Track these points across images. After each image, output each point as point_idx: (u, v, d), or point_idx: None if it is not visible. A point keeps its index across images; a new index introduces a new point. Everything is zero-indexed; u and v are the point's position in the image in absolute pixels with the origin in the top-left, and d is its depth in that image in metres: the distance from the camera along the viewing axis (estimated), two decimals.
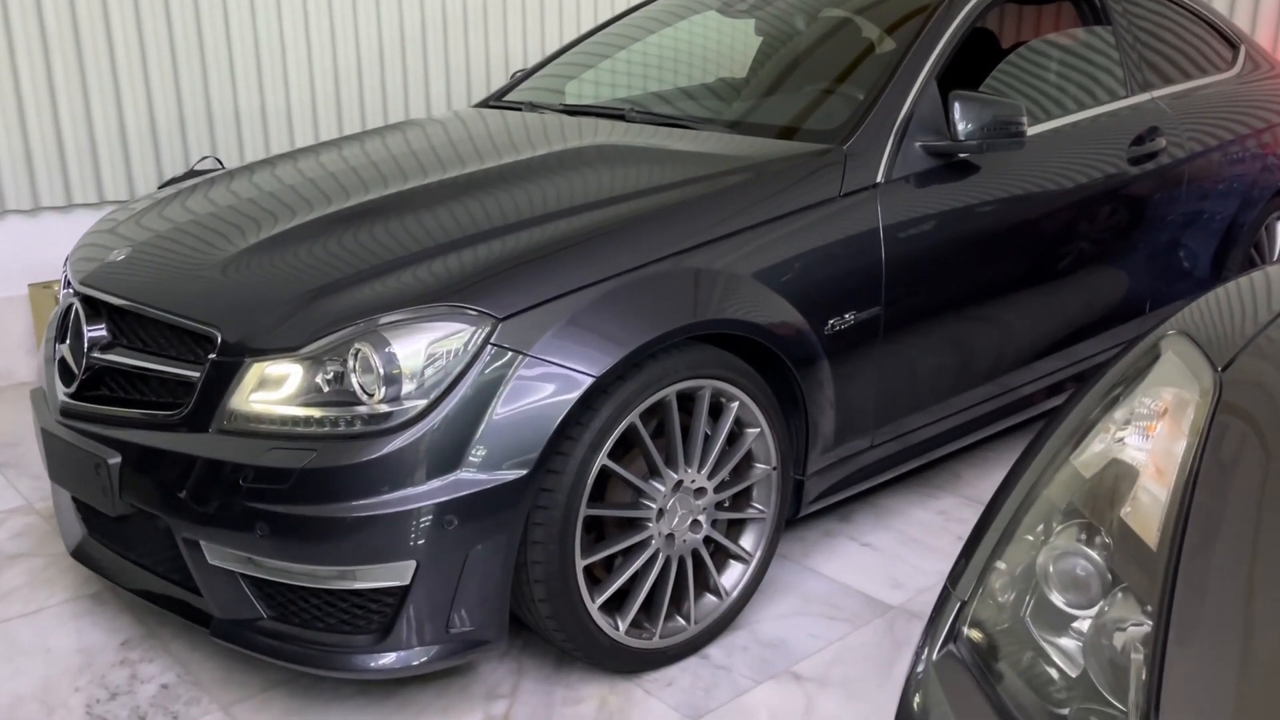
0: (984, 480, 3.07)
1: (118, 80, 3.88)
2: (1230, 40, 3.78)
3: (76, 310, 2.24)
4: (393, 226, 2.19)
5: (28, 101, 3.74)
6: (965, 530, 2.79)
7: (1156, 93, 3.32)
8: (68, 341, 2.27)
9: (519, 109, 3.21)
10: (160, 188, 3.97)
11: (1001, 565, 1.14)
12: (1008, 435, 3.36)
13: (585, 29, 5.00)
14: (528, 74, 3.60)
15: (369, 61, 4.41)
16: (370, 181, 2.48)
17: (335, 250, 2.12)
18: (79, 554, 2.33)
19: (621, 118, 2.88)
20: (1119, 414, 1.24)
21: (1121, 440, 1.21)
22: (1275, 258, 3.82)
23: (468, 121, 3.03)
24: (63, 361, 2.28)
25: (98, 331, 2.20)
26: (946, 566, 2.61)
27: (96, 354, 2.17)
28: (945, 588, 1.17)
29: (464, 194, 2.32)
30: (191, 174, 3.97)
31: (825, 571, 2.59)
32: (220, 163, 4.11)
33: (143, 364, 2.09)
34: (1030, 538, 1.15)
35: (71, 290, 2.35)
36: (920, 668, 1.12)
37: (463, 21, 4.62)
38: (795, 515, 2.48)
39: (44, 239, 3.92)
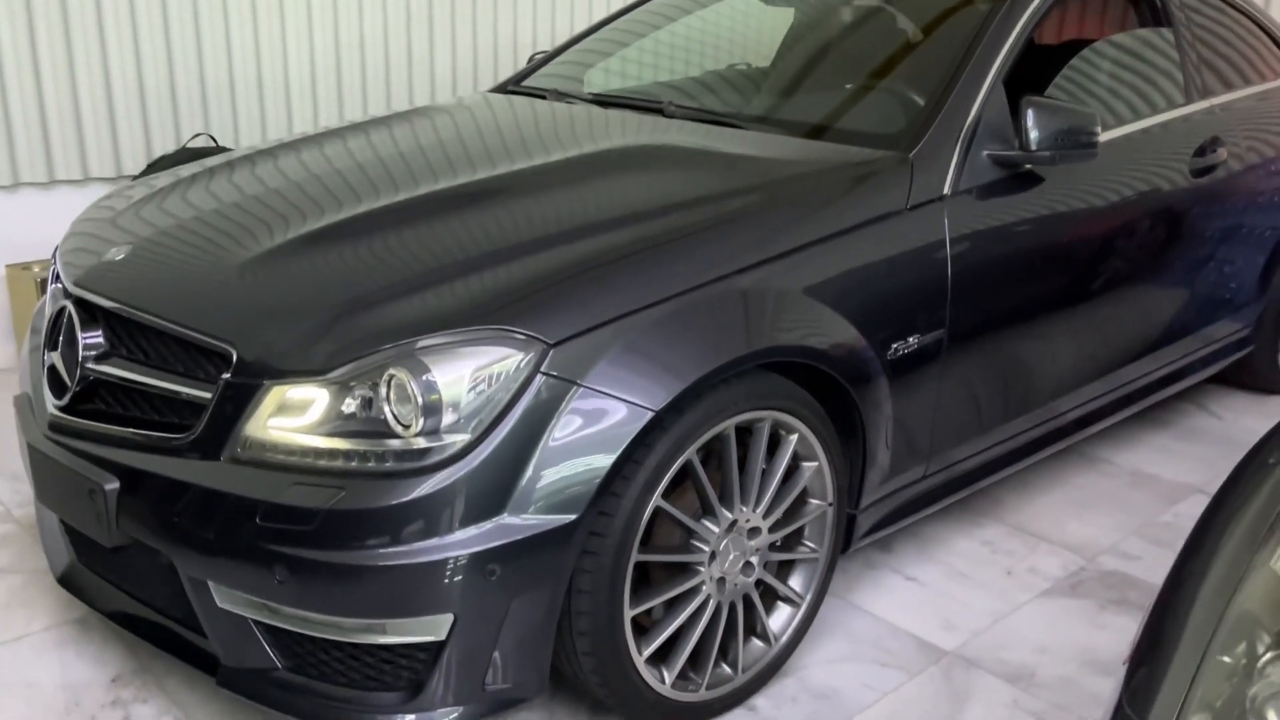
0: (1027, 506, 2.91)
1: (105, 47, 3.61)
2: None
3: (70, 315, 2.01)
4: (427, 232, 1.97)
5: (8, 69, 3.47)
6: (1013, 563, 2.63)
7: (1215, 100, 3.15)
8: (59, 350, 2.04)
9: (542, 96, 3.00)
10: (149, 165, 3.72)
11: (1199, 694, 0.96)
12: (1046, 458, 3.19)
13: (589, 3, 4.77)
14: (548, 58, 3.37)
15: (372, 33, 4.16)
16: (398, 178, 2.26)
17: (364, 259, 1.91)
18: (66, 581, 2.11)
19: (660, 112, 2.67)
20: None
21: None
22: None
23: (493, 111, 2.81)
24: (53, 370, 2.06)
25: (94, 339, 1.97)
26: (998, 605, 2.45)
27: (92, 365, 1.95)
28: (1127, 714, 0.99)
29: (502, 197, 2.11)
30: (183, 151, 3.72)
31: (872, 609, 2.42)
32: (214, 140, 3.86)
33: (146, 379, 1.87)
34: (1229, 660, 0.98)
35: (62, 289, 2.12)
36: None
37: None
38: (844, 551, 2.30)
39: (23, 217, 3.66)
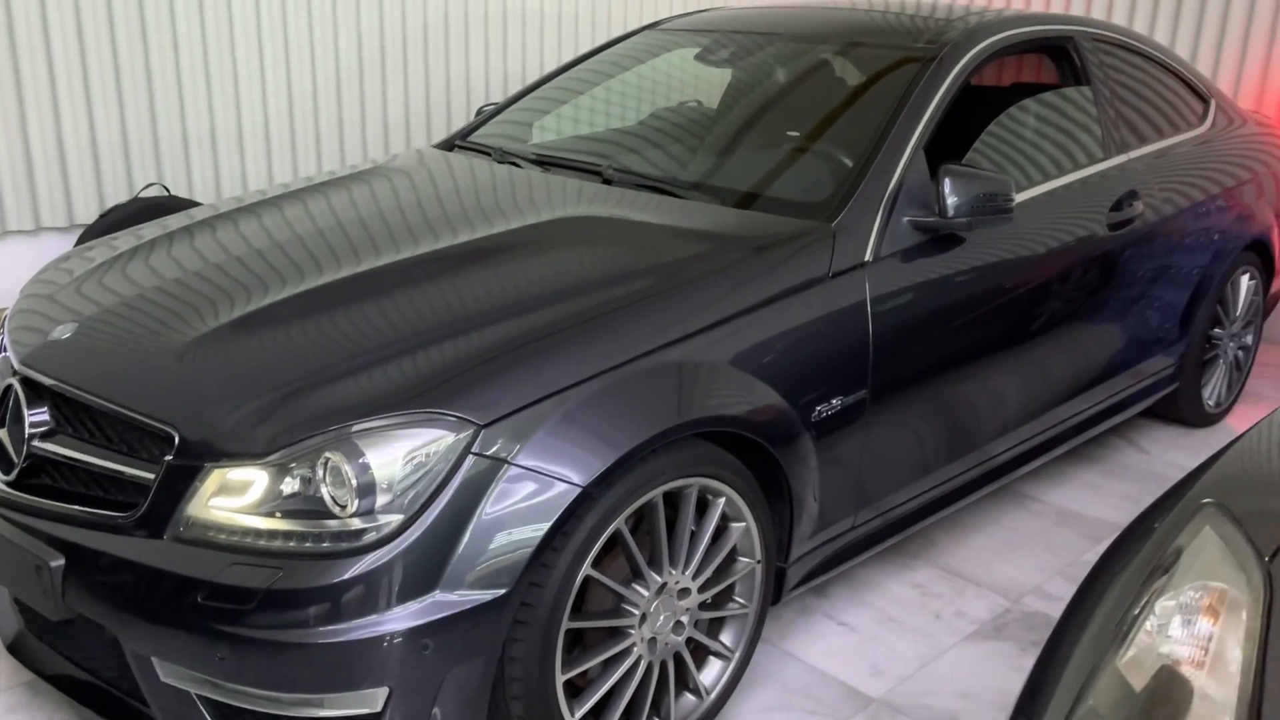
0: (958, 548, 3.02)
1: (56, 97, 3.66)
2: (1201, 94, 3.78)
3: (16, 393, 2.07)
4: (364, 312, 2.05)
5: None
6: (942, 606, 2.74)
7: (1133, 153, 3.30)
8: (6, 426, 2.10)
9: (487, 153, 3.08)
10: (102, 215, 3.77)
11: None
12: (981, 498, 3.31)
13: (543, 50, 4.87)
14: (495, 111, 3.47)
15: (325, 83, 4.22)
16: (339, 252, 2.33)
17: (302, 340, 1.98)
18: (15, 649, 2.16)
19: (599, 174, 2.77)
20: (1160, 607, 1.17)
21: (1168, 637, 1.14)
22: (1237, 312, 3.85)
23: (438, 173, 2.89)
24: (0, 446, 2.11)
25: (40, 416, 2.03)
26: (925, 649, 2.56)
27: (38, 443, 2.01)
28: None
29: (440, 274, 2.19)
30: (135, 202, 3.77)
31: (804, 657, 2.51)
32: (166, 189, 3.91)
33: (91, 459, 1.94)
34: None
35: (8, 361, 2.18)
36: None
37: (422, 43, 4.46)
38: (775, 603, 2.40)
39: None
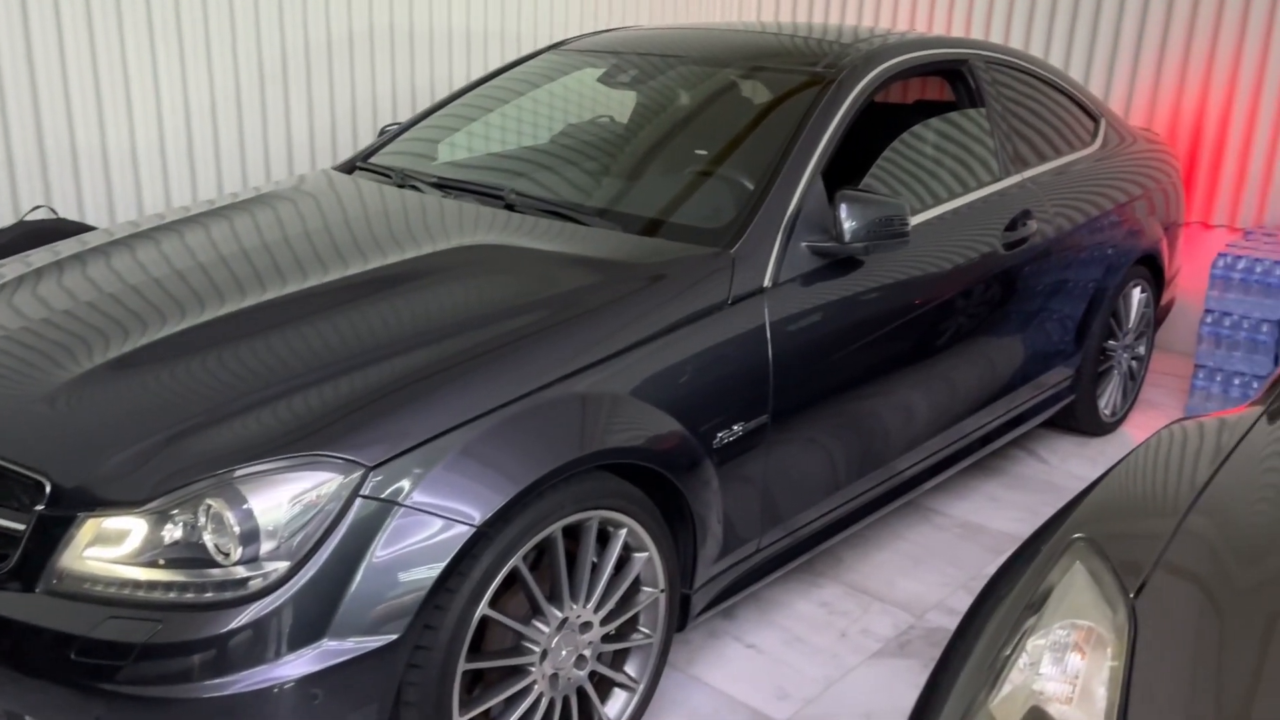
0: (864, 564, 3.06)
1: None
2: (1092, 114, 3.90)
3: None
4: (251, 349, 1.99)
5: None
6: (848, 625, 2.77)
7: (1027, 173, 3.39)
8: None
9: (388, 176, 3.03)
10: None
11: None
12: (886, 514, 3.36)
13: (452, 67, 4.82)
14: (400, 130, 3.41)
15: (224, 99, 4.11)
16: (226, 286, 2.26)
17: (184, 380, 1.92)
18: None
19: (500, 199, 2.74)
20: (1032, 646, 1.19)
21: (1039, 675, 1.16)
22: (1130, 324, 3.98)
23: (337, 198, 2.83)
24: None
25: None
26: (830, 670, 2.58)
27: None
28: None
29: (331, 308, 2.14)
30: (21, 226, 3.62)
31: (711, 681, 2.51)
32: (54, 212, 3.76)
33: None
34: None
35: None
36: None
37: (326, 59, 4.37)
38: (681, 630, 2.40)
39: None
